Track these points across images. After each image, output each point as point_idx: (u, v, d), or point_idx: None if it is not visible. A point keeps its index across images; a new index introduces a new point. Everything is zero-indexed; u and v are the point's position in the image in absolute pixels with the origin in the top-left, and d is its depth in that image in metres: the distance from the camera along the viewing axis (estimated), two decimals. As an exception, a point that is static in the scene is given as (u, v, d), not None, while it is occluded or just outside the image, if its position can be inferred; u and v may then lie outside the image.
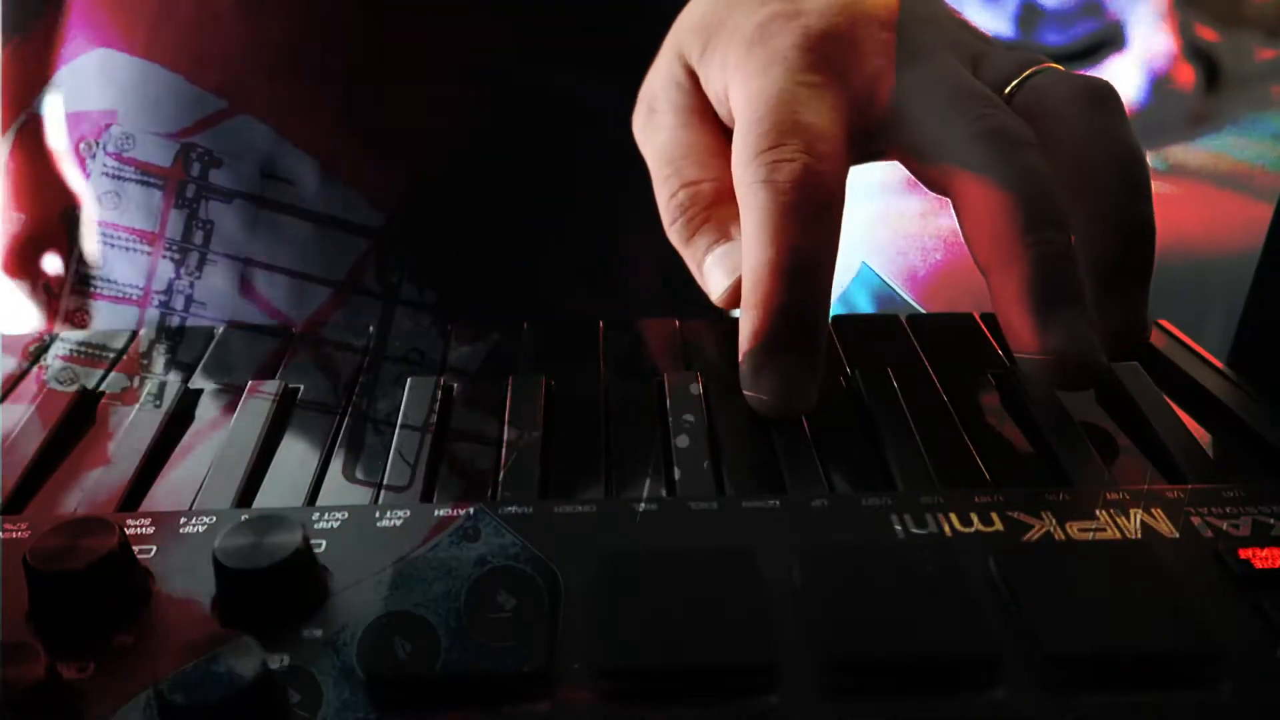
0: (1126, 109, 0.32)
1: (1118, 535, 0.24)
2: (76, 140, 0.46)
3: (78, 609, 0.22)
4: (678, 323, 0.36)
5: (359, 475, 0.29)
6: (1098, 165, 0.30)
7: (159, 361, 0.34)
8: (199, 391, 0.33)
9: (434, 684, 0.20)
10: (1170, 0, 1.12)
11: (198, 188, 0.45)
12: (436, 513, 0.25)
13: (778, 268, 0.29)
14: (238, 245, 0.46)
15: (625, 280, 0.53)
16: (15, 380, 0.33)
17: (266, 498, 0.28)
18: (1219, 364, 0.34)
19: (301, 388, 0.32)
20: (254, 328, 0.38)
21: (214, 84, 0.44)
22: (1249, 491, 0.26)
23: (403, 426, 0.30)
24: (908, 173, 0.33)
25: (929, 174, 0.32)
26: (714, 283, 0.33)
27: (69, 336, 0.36)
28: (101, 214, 0.46)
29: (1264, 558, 0.23)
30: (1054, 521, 0.25)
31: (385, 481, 0.28)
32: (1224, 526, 0.25)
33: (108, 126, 0.45)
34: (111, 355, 0.35)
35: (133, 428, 0.30)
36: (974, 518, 0.25)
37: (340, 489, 0.28)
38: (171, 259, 0.46)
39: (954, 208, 0.30)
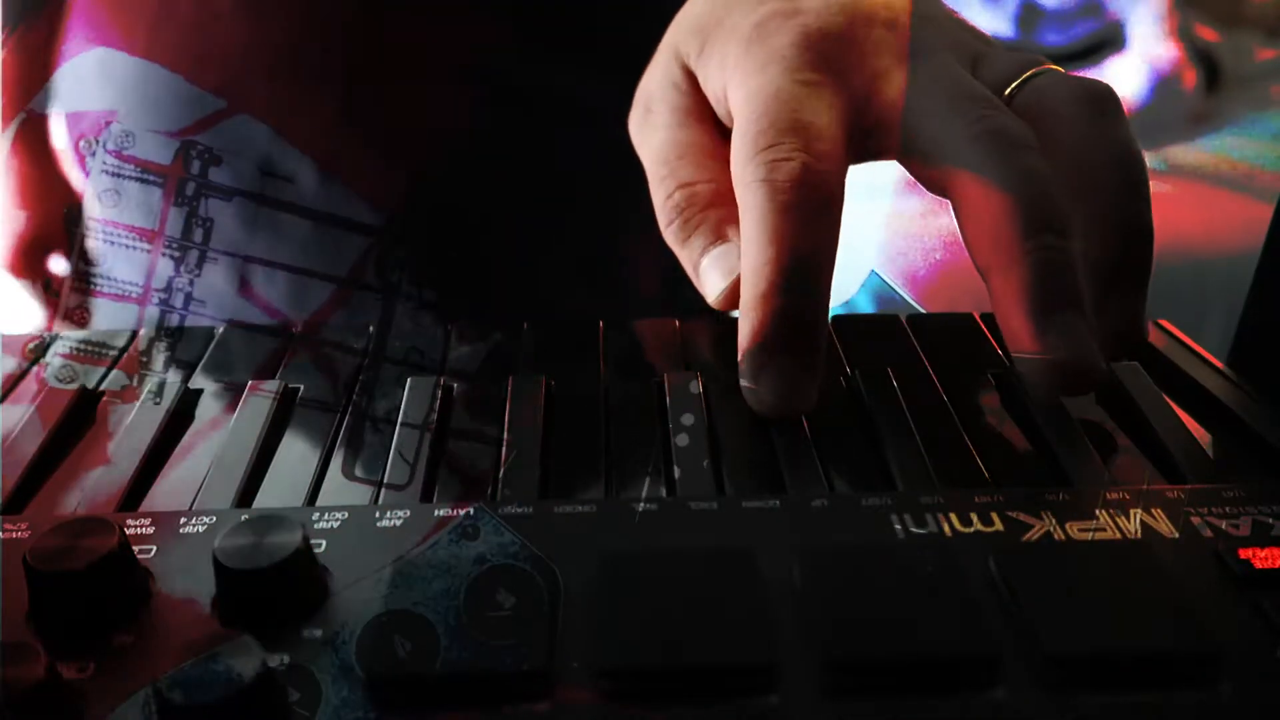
0: (1126, 110, 0.32)
1: (1118, 535, 0.24)
2: (76, 138, 0.46)
3: (78, 609, 0.22)
4: (678, 323, 0.36)
5: (359, 475, 0.29)
6: (1097, 167, 0.30)
7: (159, 361, 0.34)
8: (199, 391, 0.33)
9: (434, 683, 0.20)
10: (1170, 0, 1.12)
11: (198, 185, 0.45)
12: (436, 513, 0.25)
13: (776, 268, 0.29)
14: (238, 243, 0.46)
15: (625, 280, 0.53)
16: (15, 380, 0.33)
17: (266, 498, 0.28)
18: (1219, 364, 0.34)
19: (301, 388, 0.32)
20: (254, 328, 0.38)
21: (213, 84, 0.44)
22: (1249, 491, 0.26)
23: (403, 426, 0.30)
24: (908, 173, 0.33)
25: (928, 175, 0.32)
26: (710, 284, 0.33)
27: (69, 335, 0.36)
28: (101, 211, 0.46)
29: (1264, 558, 0.23)
30: (1054, 521, 0.25)
31: (385, 481, 0.28)
32: (1224, 526, 0.25)
33: (108, 124, 0.45)
34: (112, 355, 0.35)
35: (133, 427, 0.30)
36: (974, 518, 0.25)
37: (340, 489, 0.28)
38: (171, 257, 0.46)
39: (953, 210, 0.30)
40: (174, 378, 0.33)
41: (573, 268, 0.50)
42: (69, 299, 0.47)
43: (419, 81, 0.46)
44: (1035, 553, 0.24)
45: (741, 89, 0.32)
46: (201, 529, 0.25)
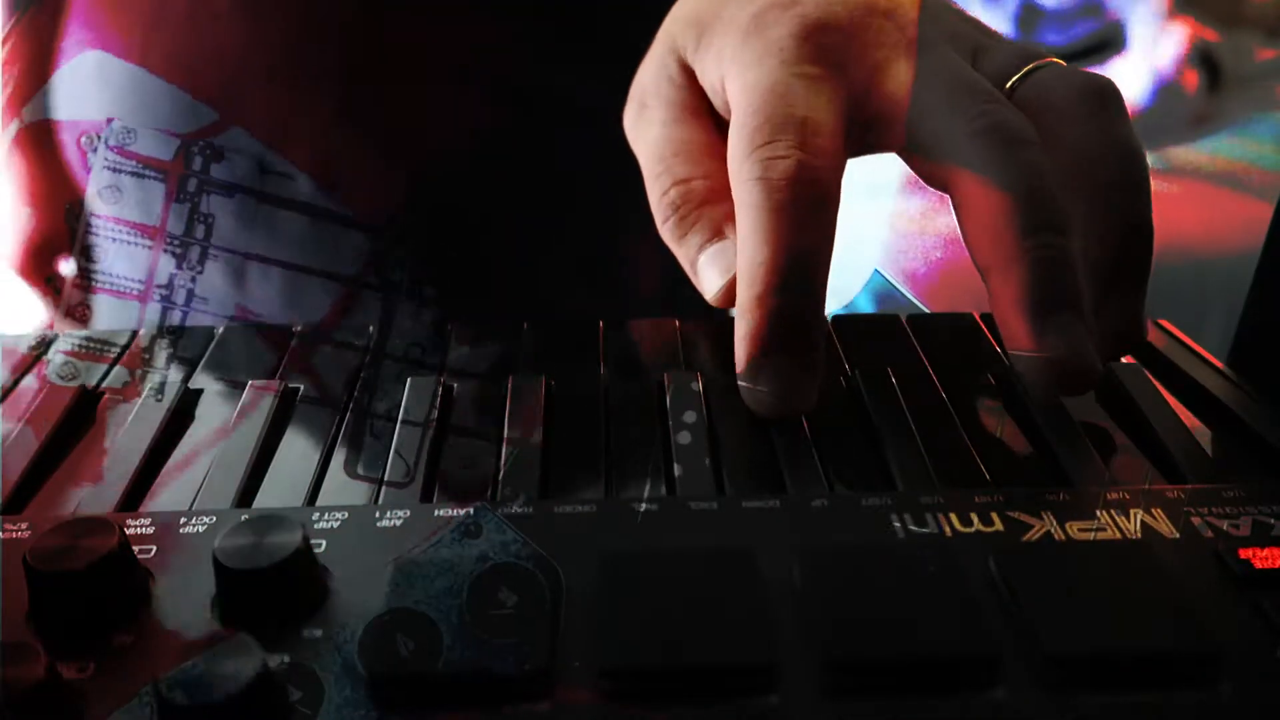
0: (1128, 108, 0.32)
1: (1118, 535, 0.24)
2: (78, 135, 0.46)
3: (78, 609, 0.22)
4: (678, 323, 0.36)
5: (359, 475, 0.29)
6: (1098, 164, 0.30)
7: (159, 360, 0.34)
8: (199, 391, 0.33)
9: (435, 682, 0.20)
10: (1170, 0, 1.12)
11: (199, 182, 0.45)
12: (436, 513, 0.25)
13: (772, 267, 0.29)
14: (238, 244, 0.46)
15: (625, 280, 0.53)
16: (16, 379, 0.33)
17: (266, 498, 0.28)
18: (1219, 364, 0.34)
19: (301, 387, 0.32)
20: (254, 328, 0.38)
21: (208, 93, 0.44)
22: (1249, 491, 0.26)
23: (403, 426, 0.30)
24: (908, 167, 0.33)
25: (928, 170, 0.32)
26: (708, 282, 0.33)
27: (71, 335, 0.36)
28: (103, 208, 0.46)
29: (1264, 558, 0.23)
30: (1054, 521, 0.25)
31: (385, 482, 0.28)
32: (1224, 526, 0.25)
33: (109, 121, 0.45)
34: (112, 354, 0.35)
35: (133, 428, 0.30)
36: (974, 518, 0.25)
37: (340, 489, 0.28)
38: (173, 254, 0.46)
39: (953, 205, 0.30)
40: (174, 377, 0.33)
41: (573, 268, 0.50)
42: (70, 296, 0.47)
43: (419, 81, 0.46)
44: (1035, 553, 0.24)
45: (738, 81, 0.32)
46: (201, 529, 0.25)
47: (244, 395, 0.31)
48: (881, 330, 0.36)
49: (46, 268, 0.48)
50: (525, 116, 0.48)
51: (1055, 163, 0.29)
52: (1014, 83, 0.32)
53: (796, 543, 0.24)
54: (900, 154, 0.33)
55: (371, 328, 0.36)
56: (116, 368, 0.34)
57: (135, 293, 0.46)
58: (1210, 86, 1.11)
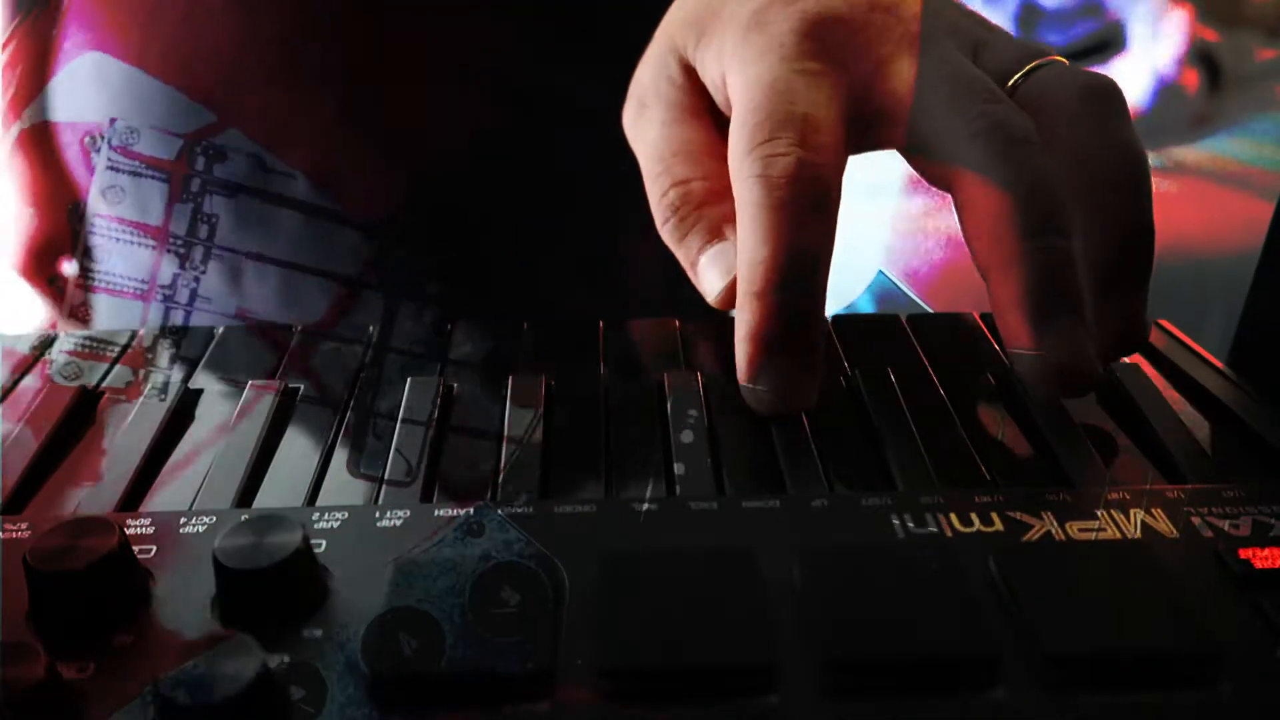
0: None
1: (1118, 535, 0.24)
2: (81, 135, 0.46)
3: (78, 609, 0.22)
4: (678, 323, 0.36)
5: (359, 475, 0.29)
6: (1099, 164, 0.30)
7: (159, 361, 0.34)
8: (199, 391, 0.33)
9: (436, 681, 0.20)
10: (1170, 0, 1.12)
11: (202, 182, 0.45)
12: (436, 513, 0.25)
13: (772, 265, 0.29)
14: (240, 244, 0.46)
15: (625, 280, 0.53)
16: (16, 379, 0.33)
17: (266, 498, 0.28)
18: (1219, 364, 0.34)
19: (301, 387, 0.32)
20: (254, 328, 0.38)
21: (206, 94, 0.44)
22: (1249, 491, 0.26)
23: (403, 426, 0.30)
24: (910, 166, 0.33)
25: (929, 168, 0.31)
26: (709, 283, 0.33)
27: (71, 335, 0.36)
28: (106, 208, 0.46)
29: (1264, 558, 0.23)
30: (1054, 521, 0.25)
31: (385, 481, 0.28)
32: (1224, 526, 0.25)
33: (113, 121, 0.45)
34: (112, 355, 0.35)
35: (133, 428, 0.30)
36: (974, 518, 0.25)
37: (340, 489, 0.28)
38: (176, 253, 0.46)
39: (954, 205, 0.30)
40: (174, 377, 0.33)
41: (573, 268, 0.50)
42: (73, 296, 0.47)
43: (419, 81, 0.46)
44: (1035, 553, 0.24)
45: (739, 78, 0.32)
46: (201, 529, 0.25)
47: (244, 395, 0.31)
48: (881, 330, 0.36)
49: (49, 268, 0.48)
50: (525, 116, 0.48)
51: (1057, 162, 0.29)
52: (1016, 80, 0.32)
53: (796, 543, 0.24)
54: (901, 151, 0.33)
55: (372, 328, 0.36)
56: (117, 368, 0.34)
57: (138, 292, 0.46)
58: (1210, 86, 1.11)
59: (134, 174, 0.45)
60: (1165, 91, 1.09)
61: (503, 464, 0.28)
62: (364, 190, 0.46)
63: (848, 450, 0.29)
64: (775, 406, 0.29)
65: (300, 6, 0.45)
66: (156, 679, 0.19)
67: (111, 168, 0.45)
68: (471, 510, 0.25)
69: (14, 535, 0.25)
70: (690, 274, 0.34)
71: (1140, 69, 1.09)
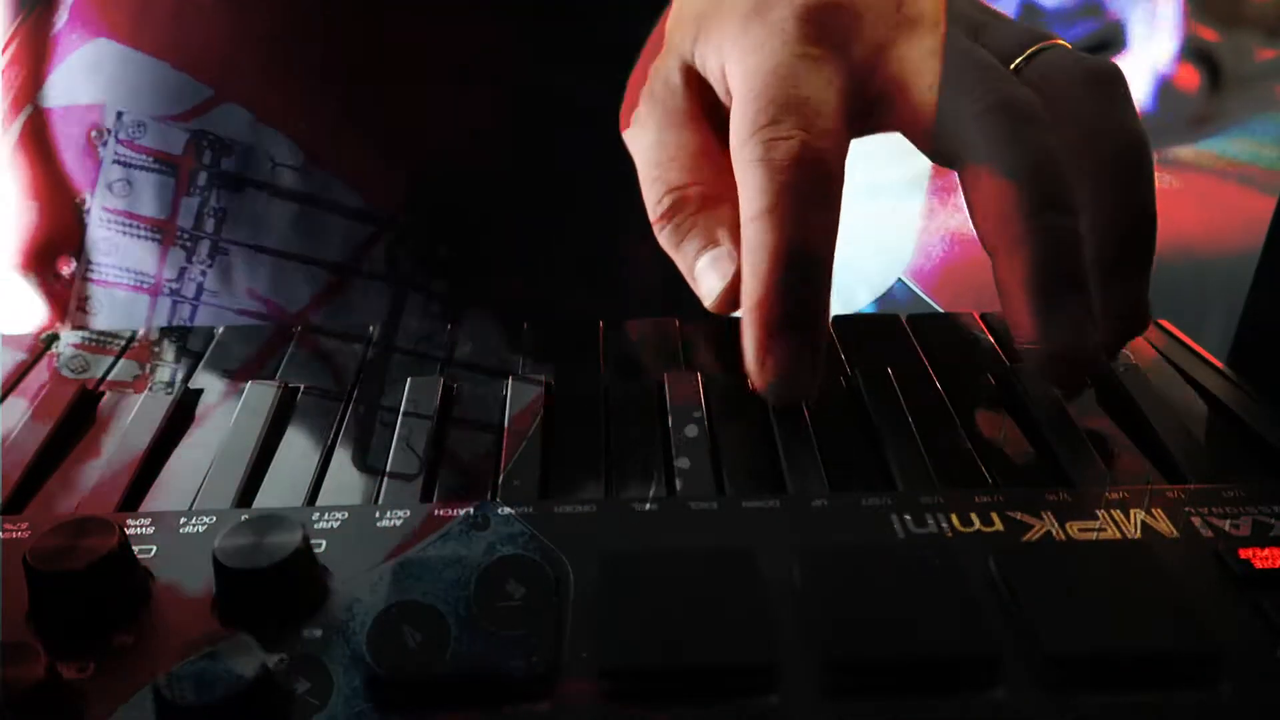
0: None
1: (1118, 535, 0.24)
2: (88, 128, 0.46)
3: (78, 609, 0.22)
4: (678, 323, 0.36)
5: (359, 475, 0.29)
6: (1101, 148, 0.30)
7: (159, 360, 0.35)
8: (199, 391, 0.33)
9: (437, 681, 0.20)
10: (1170, 0, 1.12)
11: (209, 175, 0.45)
12: (436, 513, 0.25)
13: (777, 249, 0.28)
14: (245, 236, 0.46)
15: (625, 280, 0.53)
16: (16, 379, 0.33)
17: (266, 497, 0.28)
18: (1219, 364, 0.34)
19: (301, 387, 0.32)
20: (254, 327, 0.38)
21: (206, 77, 0.44)
22: (1249, 491, 0.26)
23: (403, 426, 0.30)
24: (913, 145, 0.33)
25: (934, 147, 0.31)
26: (706, 288, 0.33)
27: (72, 334, 0.36)
28: (113, 202, 0.46)
29: (1264, 558, 0.23)
30: (1054, 521, 0.25)
31: (385, 481, 0.28)
32: (1224, 526, 0.25)
33: (119, 115, 0.45)
34: (113, 353, 0.35)
35: (133, 427, 0.30)
36: (974, 518, 0.25)
37: (340, 489, 0.28)
38: (182, 247, 0.46)
39: (960, 182, 0.30)
40: (174, 377, 0.33)
41: (573, 268, 0.50)
42: (78, 290, 0.47)
43: (419, 81, 0.46)
44: (1035, 553, 0.24)
45: (740, 66, 0.32)
46: (201, 529, 0.25)
47: (244, 395, 0.31)
48: (881, 330, 0.36)
49: (52, 263, 0.48)
50: (525, 116, 0.48)
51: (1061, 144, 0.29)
52: (1018, 64, 0.32)
53: (796, 543, 0.24)
54: (904, 132, 0.33)
55: (372, 327, 0.36)
56: (117, 367, 0.34)
57: (145, 286, 0.46)
58: (1210, 86, 1.11)
59: (141, 168, 0.45)
60: (1165, 91, 1.09)
61: (503, 464, 0.28)
62: (364, 188, 0.46)
63: (848, 450, 0.29)
64: (783, 393, 0.29)
65: (301, 7, 0.45)
66: (156, 679, 0.19)
67: (118, 161, 0.45)
68: (471, 510, 0.25)
69: (14, 535, 0.25)
70: (688, 278, 0.34)
71: (1140, 69, 1.09)
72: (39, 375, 0.33)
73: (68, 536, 0.22)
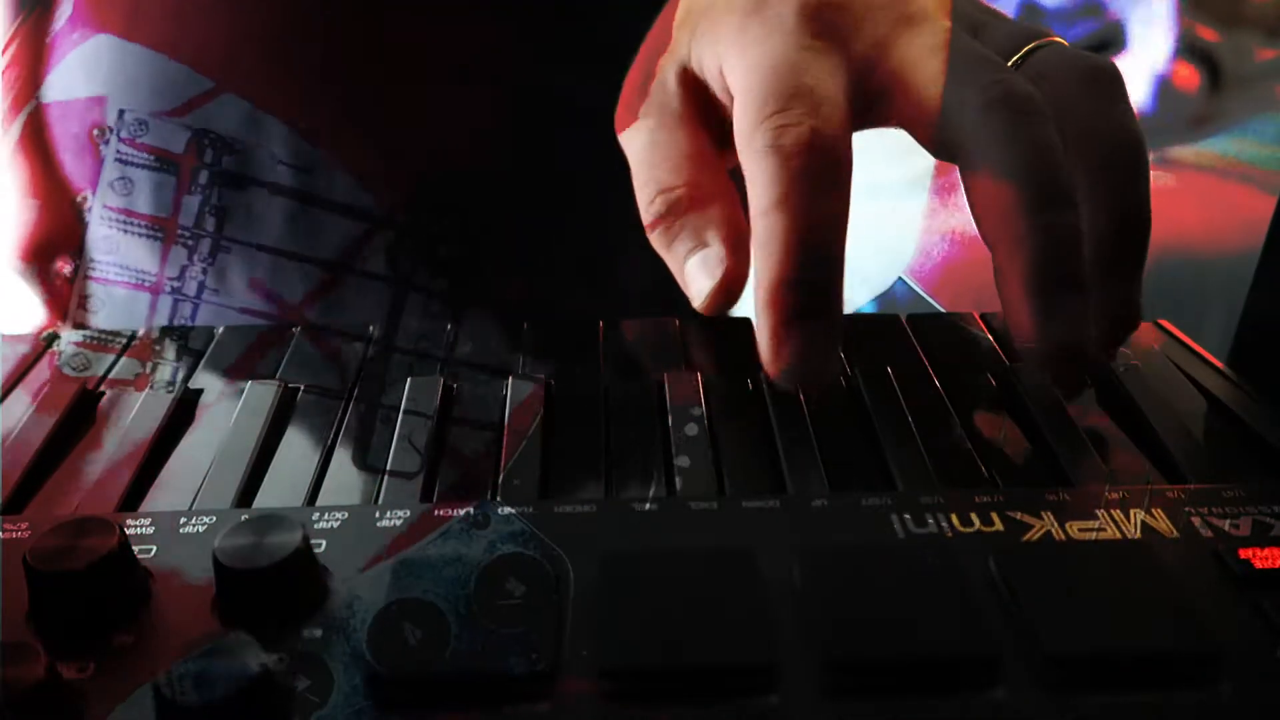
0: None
1: (1118, 535, 0.24)
2: (89, 127, 0.46)
3: (78, 609, 0.22)
4: (678, 323, 0.36)
5: (359, 474, 0.29)
6: (1097, 146, 0.30)
7: (159, 360, 0.34)
8: (199, 391, 0.33)
9: (437, 679, 0.20)
10: (1170, 0, 1.12)
11: (210, 173, 0.45)
12: (436, 512, 0.25)
13: (791, 236, 0.28)
14: (248, 233, 0.46)
15: (625, 280, 0.53)
16: (16, 378, 0.33)
17: (266, 497, 0.28)
18: (1219, 364, 0.34)
19: (301, 387, 0.32)
20: (255, 327, 0.38)
21: (206, 70, 0.44)
22: (1249, 491, 0.26)
23: (403, 426, 0.30)
24: (914, 139, 0.33)
25: (936, 140, 0.31)
26: (696, 288, 0.33)
27: (72, 333, 0.36)
28: (114, 200, 0.46)
29: (1264, 558, 0.23)
30: (1054, 521, 0.25)
31: (385, 481, 0.28)
32: (1224, 526, 0.25)
33: (122, 113, 0.45)
34: (113, 353, 0.35)
35: (133, 427, 0.30)
36: (974, 518, 0.25)
37: (340, 488, 0.28)
38: (184, 245, 0.46)
39: (961, 176, 0.30)
40: (175, 377, 0.33)
41: (573, 268, 0.50)
42: (80, 287, 0.47)
43: (419, 81, 0.46)
44: (1035, 553, 0.24)
45: (741, 61, 0.32)
46: (201, 529, 0.25)
47: (244, 394, 0.31)
48: (881, 330, 0.36)
49: (52, 262, 0.48)
50: (525, 116, 0.48)
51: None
52: (1015, 61, 0.32)
53: (796, 543, 0.24)
54: (905, 126, 0.33)
55: (372, 327, 0.36)
56: (118, 366, 0.34)
57: (146, 284, 0.46)
58: (1210, 86, 1.11)
59: (142, 166, 0.45)
60: (1165, 91, 1.09)
61: (503, 463, 0.28)
62: (364, 188, 0.46)
63: (848, 450, 0.29)
64: (802, 379, 0.29)
65: (301, 6, 0.45)
66: (156, 677, 0.19)
67: (120, 160, 0.45)
68: (471, 510, 0.25)
69: (14, 535, 0.25)
70: (679, 279, 0.34)
71: (1140, 69, 1.09)
72: (39, 374, 0.33)
73: (68, 536, 0.22)
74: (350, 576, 0.23)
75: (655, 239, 0.34)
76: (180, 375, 0.34)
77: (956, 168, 0.31)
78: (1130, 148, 0.30)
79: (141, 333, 0.36)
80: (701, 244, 0.33)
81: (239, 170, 0.45)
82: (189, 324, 0.47)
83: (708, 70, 0.34)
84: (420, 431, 0.30)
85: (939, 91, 0.30)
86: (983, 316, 0.37)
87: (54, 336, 0.35)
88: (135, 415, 0.31)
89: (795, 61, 0.30)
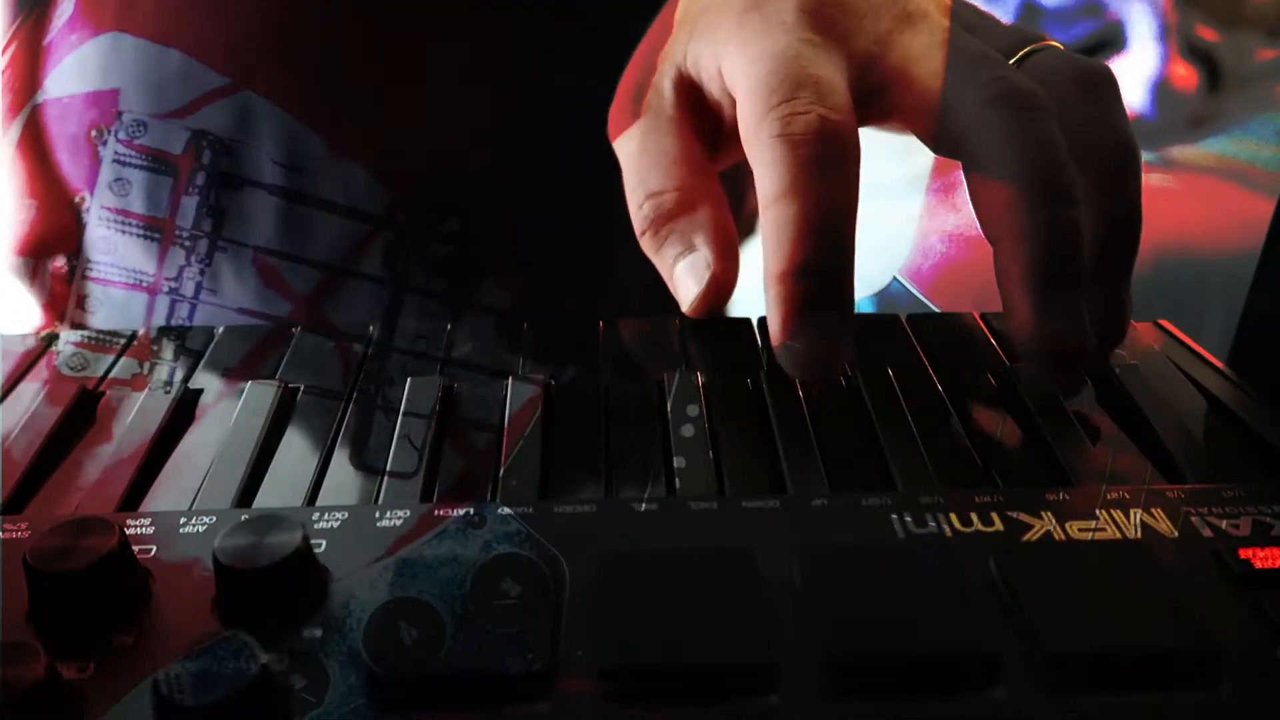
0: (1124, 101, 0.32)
1: (1117, 535, 0.24)
2: (88, 127, 0.46)
3: (78, 609, 0.22)
4: (678, 323, 0.36)
5: (359, 475, 0.29)
6: (1091, 149, 0.30)
7: (159, 360, 0.34)
8: (199, 391, 0.33)
9: (433, 679, 0.20)
10: (1170, 0, 1.12)
11: (208, 174, 0.45)
12: (436, 513, 0.25)
13: (802, 223, 0.28)
14: (245, 234, 0.46)
15: (625, 280, 0.53)
16: (16, 379, 0.33)
17: (266, 497, 0.28)
18: (1219, 364, 0.34)
19: (301, 387, 0.32)
20: (254, 327, 0.38)
21: (206, 66, 0.45)
22: (1249, 491, 0.26)
23: (402, 426, 0.30)
24: (915, 136, 0.33)
25: (936, 136, 0.31)
26: (684, 291, 0.33)
27: (72, 333, 0.36)
28: (112, 201, 0.46)
29: (1264, 558, 0.23)
30: (1054, 521, 0.25)
31: (385, 481, 0.28)
32: (1224, 526, 0.25)
33: (120, 114, 0.45)
34: (112, 353, 0.35)
35: (133, 427, 0.30)
36: (974, 518, 0.25)
37: (340, 489, 0.28)
38: (182, 246, 0.46)
39: (964, 172, 0.30)
40: (174, 377, 0.33)
41: (573, 268, 0.50)
42: (78, 287, 0.47)
43: (419, 81, 0.46)
44: (1035, 553, 0.24)
45: (741, 56, 0.32)
46: (201, 529, 0.25)
47: (244, 395, 0.31)
48: (881, 330, 0.36)
49: (51, 262, 0.48)
50: (525, 116, 0.48)
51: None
52: (1011, 65, 0.32)
53: (796, 543, 0.24)
54: (905, 123, 0.33)
55: (372, 327, 0.36)
56: (117, 366, 0.34)
57: (144, 285, 0.46)
58: (1210, 86, 1.11)
59: (141, 167, 0.45)
60: (1164, 91, 1.09)
61: (502, 463, 0.28)
62: (364, 188, 0.46)
63: (848, 450, 0.29)
64: (812, 365, 0.29)
65: (301, 6, 0.45)
66: (155, 677, 0.19)
67: (118, 160, 0.45)
68: (470, 509, 0.25)
69: (14, 535, 0.25)
70: (668, 283, 0.34)
71: (1140, 69, 1.09)
72: (39, 374, 0.33)
73: (68, 536, 0.22)
74: (350, 576, 0.23)
75: (644, 242, 0.34)
76: (180, 375, 0.34)
77: (956, 167, 0.31)
78: (1123, 151, 0.30)
79: (141, 333, 0.36)
80: (690, 248, 0.33)
81: (237, 171, 0.45)
82: (187, 324, 0.47)
83: (705, 70, 0.34)
84: (420, 432, 0.30)
85: (940, 86, 0.30)
86: (983, 316, 0.37)
87: (53, 336, 0.35)
88: (135, 415, 0.31)
89: (800, 52, 0.31)
